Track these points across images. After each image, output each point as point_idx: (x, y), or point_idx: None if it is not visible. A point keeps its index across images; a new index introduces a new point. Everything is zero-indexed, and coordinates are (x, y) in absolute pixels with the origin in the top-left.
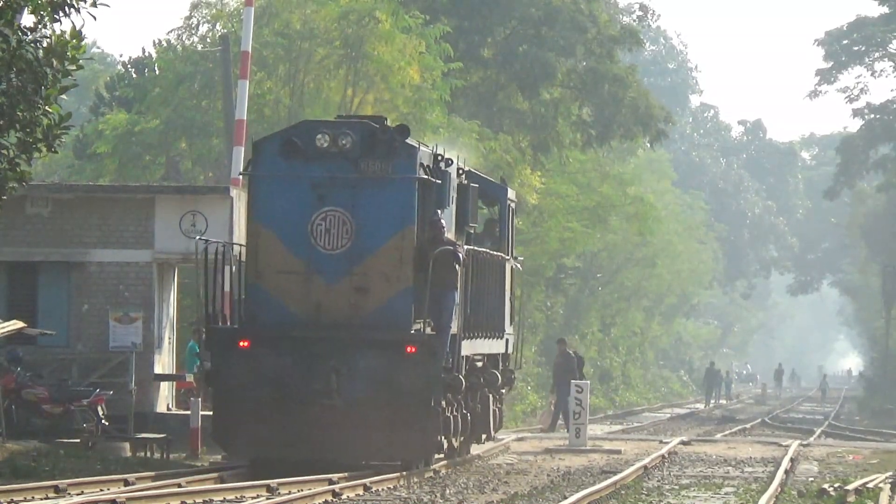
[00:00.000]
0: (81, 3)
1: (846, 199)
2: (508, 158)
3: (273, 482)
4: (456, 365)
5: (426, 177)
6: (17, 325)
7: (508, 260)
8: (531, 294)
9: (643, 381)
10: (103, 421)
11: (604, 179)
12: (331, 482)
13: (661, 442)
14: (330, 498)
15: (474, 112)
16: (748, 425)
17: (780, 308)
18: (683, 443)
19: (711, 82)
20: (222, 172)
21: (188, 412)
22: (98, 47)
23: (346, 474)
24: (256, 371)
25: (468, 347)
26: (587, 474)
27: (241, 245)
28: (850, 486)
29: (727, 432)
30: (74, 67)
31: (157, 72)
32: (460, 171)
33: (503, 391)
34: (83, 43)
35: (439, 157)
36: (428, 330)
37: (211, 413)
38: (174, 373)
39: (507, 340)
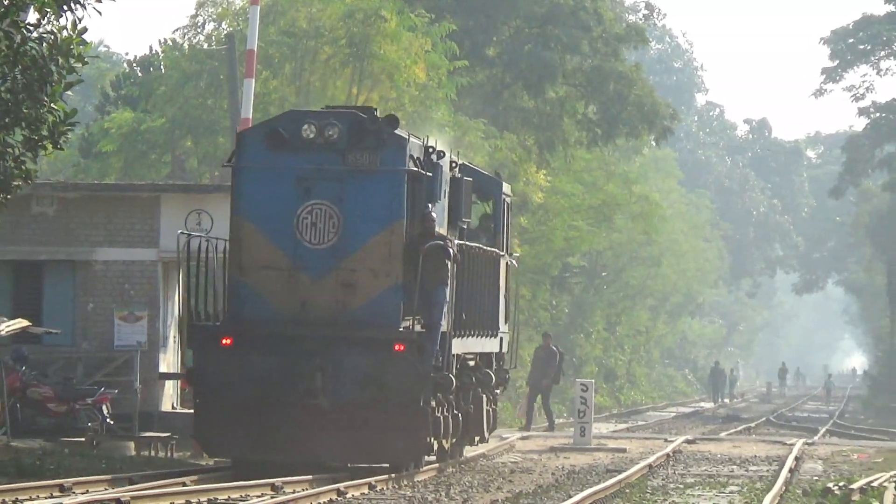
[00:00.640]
0: None
1: (851, 197)
2: (514, 157)
3: (278, 481)
4: (446, 364)
5: (416, 169)
6: (22, 323)
7: (503, 256)
8: (536, 293)
9: (648, 380)
10: (108, 420)
11: (609, 178)
12: (335, 480)
13: (665, 441)
14: (335, 497)
15: (480, 111)
16: (753, 424)
17: (785, 307)
18: (688, 441)
19: (717, 81)
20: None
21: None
22: (104, 46)
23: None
24: (239, 370)
25: (459, 346)
26: (592, 473)
27: (224, 240)
28: (854, 485)
29: (732, 431)
30: (79, 64)
31: (163, 70)
32: (453, 164)
33: (497, 391)
34: (87, 40)
35: (430, 149)
36: (417, 327)
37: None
38: (179, 371)
39: (501, 339)
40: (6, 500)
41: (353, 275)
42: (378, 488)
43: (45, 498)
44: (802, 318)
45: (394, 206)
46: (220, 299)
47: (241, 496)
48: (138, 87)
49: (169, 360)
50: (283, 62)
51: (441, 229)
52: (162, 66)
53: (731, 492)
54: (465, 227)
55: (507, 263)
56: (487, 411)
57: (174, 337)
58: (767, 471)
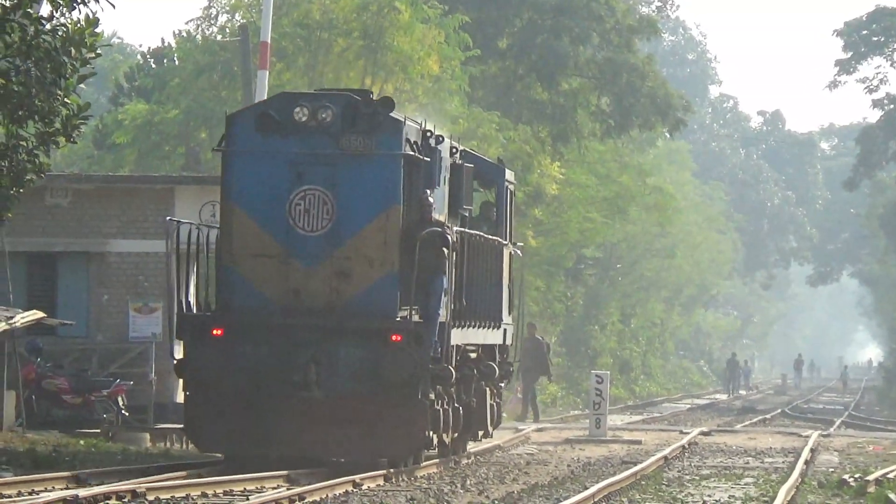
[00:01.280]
0: None
1: (866, 189)
2: (528, 148)
3: (293, 472)
4: (445, 355)
5: (413, 153)
6: (36, 315)
7: (507, 245)
8: (551, 284)
9: (663, 372)
10: (123, 411)
11: (623, 170)
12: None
13: (681, 432)
14: (350, 488)
15: (494, 103)
16: (768, 416)
17: (799, 299)
18: (703, 433)
19: (730, 73)
20: None
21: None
22: (118, 37)
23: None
24: (230, 361)
25: (459, 336)
26: (607, 465)
27: (215, 227)
28: (870, 477)
29: (747, 423)
30: (92, 55)
31: (177, 62)
32: (453, 150)
33: (502, 385)
34: (99, 31)
35: (428, 133)
36: (415, 317)
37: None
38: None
39: (505, 331)
40: (22, 490)
41: (348, 263)
42: (393, 480)
43: (61, 489)
44: (817, 311)
45: (389, 192)
46: (211, 289)
47: (257, 487)
48: (152, 78)
49: None
50: (296, 54)
51: (441, 216)
52: (176, 58)
53: (747, 483)
54: (467, 214)
55: (510, 253)
56: (491, 405)
57: None
58: (783, 462)
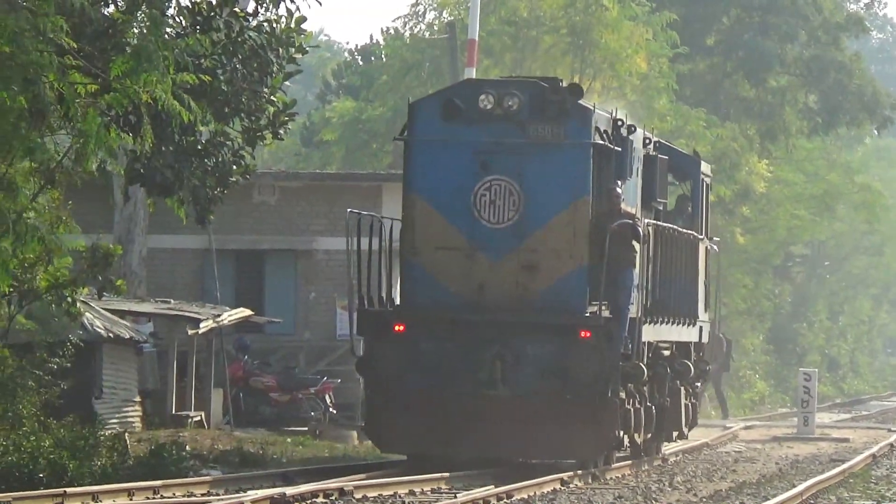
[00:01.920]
0: None
1: None
2: (735, 146)
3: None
4: (636, 352)
5: (603, 143)
6: (244, 313)
7: (702, 240)
8: (759, 282)
9: (871, 370)
10: (331, 409)
11: (831, 167)
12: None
13: (889, 430)
14: (558, 486)
15: (701, 100)
16: None
17: None
18: None
19: None
20: None
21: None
22: (325, 35)
23: None
24: (412, 358)
25: (651, 333)
26: (815, 462)
27: (397, 220)
28: None
29: None
30: (299, 54)
31: (384, 59)
32: (647, 140)
33: (698, 384)
34: (307, 31)
35: (620, 123)
36: (604, 313)
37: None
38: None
39: (700, 328)
40: (229, 488)
41: (535, 256)
42: (601, 478)
43: (268, 487)
44: None
45: (578, 182)
46: (392, 283)
47: (464, 485)
48: (360, 76)
49: None
50: (503, 51)
51: (634, 209)
52: (383, 55)
53: None
54: (661, 208)
55: (706, 248)
56: (686, 405)
57: None
58: None
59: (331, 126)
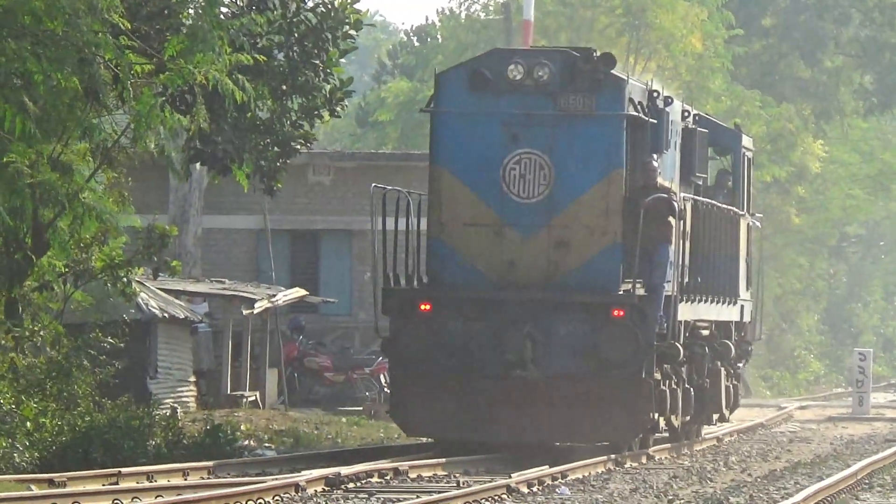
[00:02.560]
0: None
1: None
2: (791, 127)
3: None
4: (671, 331)
5: (637, 114)
6: (299, 293)
7: (744, 216)
8: (814, 262)
9: None
10: (385, 389)
11: (886, 147)
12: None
13: None
14: (612, 466)
15: (756, 80)
16: None
17: None
18: None
19: None
20: None
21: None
22: (380, 15)
23: None
24: (439, 339)
25: (688, 311)
26: (870, 443)
27: (424, 195)
28: None
29: None
30: (354, 31)
31: (440, 40)
32: (685, 113)
33: (740, 365)
34: (363, 10)
35: (655, 94)
36: (638, 291)
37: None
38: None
39: (741, 307)
40: (283, 469)
41: (567, 232)
42: (656, 457)
43: (323, 466)
44: None
45: (611, 155)
46: (417, 260)
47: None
48: (415, 56)
49: None
50: (559, 32)
51: (672, 184)
52: (438, 36)
53: None
54: (700, 183)
55: (748, 224)
56: (727, 387)
57: None
58: None
59: (386, 106)
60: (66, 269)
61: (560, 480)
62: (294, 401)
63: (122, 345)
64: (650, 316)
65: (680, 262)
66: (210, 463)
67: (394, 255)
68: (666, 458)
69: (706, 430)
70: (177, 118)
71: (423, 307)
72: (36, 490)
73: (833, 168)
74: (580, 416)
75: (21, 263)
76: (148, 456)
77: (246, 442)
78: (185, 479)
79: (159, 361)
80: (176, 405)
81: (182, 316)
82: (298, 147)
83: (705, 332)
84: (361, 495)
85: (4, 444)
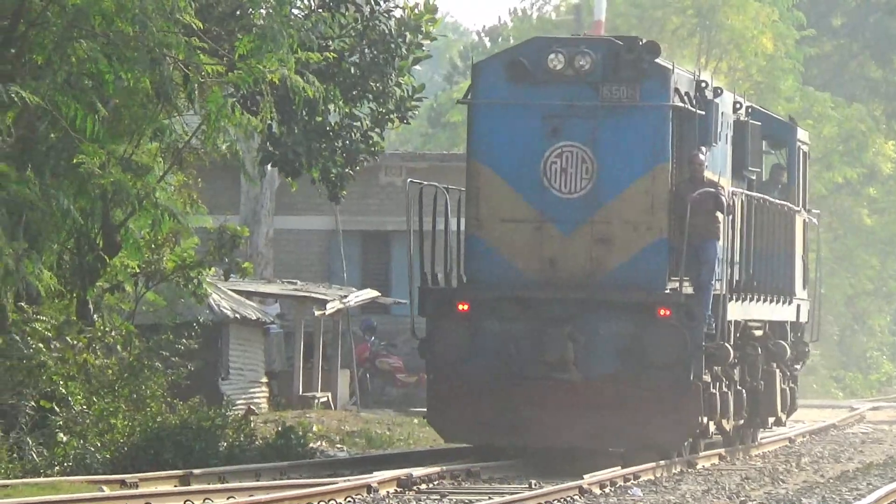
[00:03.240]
0: None
1: None
2: (863, 127)
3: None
4: (721, 331)
5: (683, 105)
6: (370, 294)
7: (799, 212)
8: (886, 263)
9: None
10: None
11: None
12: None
13: None
14: (686, 468)
15: (827, 81)
16: None
17: None
18: None
19: None
20: None
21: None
22: (451, 16)
23: None
24: (477, 340)
25: (739, 311)
26: None
27: (461, 190)
28: None
29: None
30: (427, 40)
31: (511, 41)
32: (737, 105)
33: (797, 367)
34: (437, 17)
35: (704, 84)
36: (685, 289)
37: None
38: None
39: (797, 307)
40: (354, 470)
41: (610, 228)
42: (727, 458)
43: (394, 468)
44: None
45: (657, 148)
46: (459, 258)
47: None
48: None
49: None
50: (629, 32)
51: (719, 177)
52: (511, 37)
53: None
54: (753, 177)
55: (804, 221)
56: (783, 389)
57: None
58: None
59: (458, 107)
60: (138, 270)
61: (632, 482)
62: (366, 402)
63: (194, 346)
64: (698, 315)
65: (730, 259)
66: (282, 464)
67: (432, 253)
68: (745, 458)
69: (775, 433)
70: (247, 118)
71: (460, 307)
72: (108, 491)
73: None
74: (624, 420)
75: (93, 264)
76: (219, 457)
77: (318, 443)
78: (257, 480)
79: (231, 362)
80: (251, 406)
81: (254, 317)
82: (366, 158)
83: (758, 333)
84: (433, 496)
85: (76, 445)
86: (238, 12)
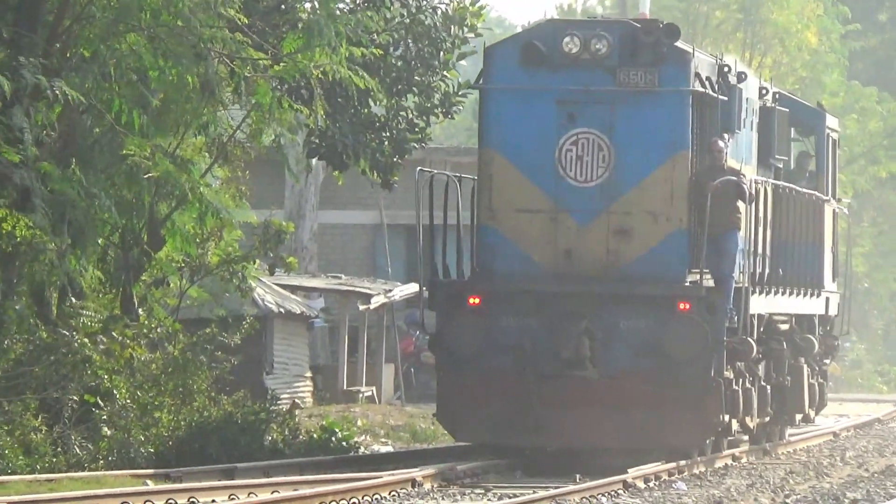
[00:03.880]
0: None
1: None
2: None
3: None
4: (743, 325)
5: (704, 90)
6: (415, 288)
7: (828, 201)
8: None
9: None
10: None
11: None
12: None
13: None
14: (730, 462)
15: (872, 76)
16: None
17: None
18: None
19: None
20: None
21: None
22: (496, 11)
23: None
24: (490, 335)
25: (763, 304)
26: None
27: (473, 178)
28: None
29: None
30: (472, 35)
31: None
32: (763, 91)
33: (826, 362)
34: (483, 11)
35: (726, 69)
36: (706, 282)
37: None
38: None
39: (826, 299)
40: (399, 465)
41: (628, 219)
42: (772, 453)
43: (439, 462)
44: None
45: (676, 135)
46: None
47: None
48: None
49: None
50: None
51: (741, 165)
52: None
53: None
54: (780, 166)
55: (833, 211)
56: (811, 384)
57: None
58: None
59: None
60: (183, 265)
61: (676, 476)
62: (410, 396)
63: (238, 342)
64: (719, 309)
65: (753, 251)
66: (326, 458)
67: (443, 244)
68: (788, 452)
69: (819, 427)
70: (294, 113)
71: (471, 301)
72: (152, 485)
73: None
74: (643, 418)
75: (138, 259)
76: (264, 451)
77: (362, 437)
78: (301, 475)
79: (275, 357)
80: (296, 400)
81: (298, 311)
82: (413, 145)
83: (784, 327)
84: (477, 490)
85: (120, 439)
86: (283, 6)
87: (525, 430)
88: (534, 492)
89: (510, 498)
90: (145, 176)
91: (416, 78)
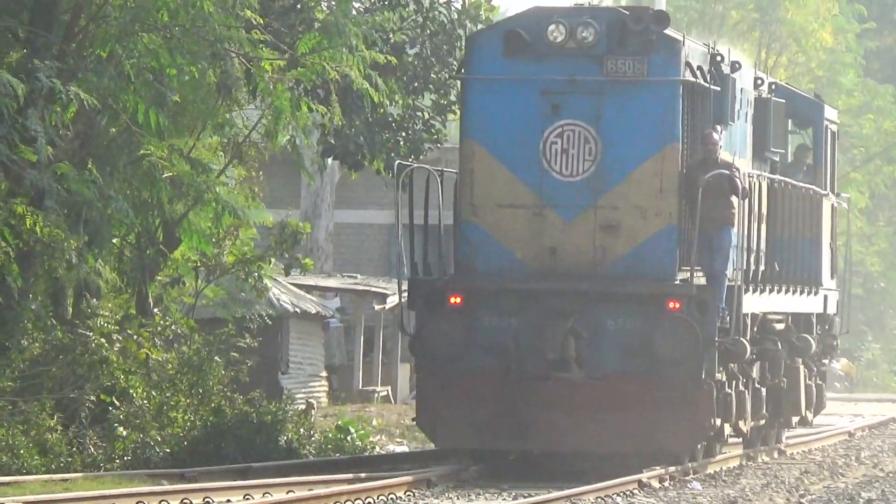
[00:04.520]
0: None
1: None
2: None
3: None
4: (736, 325)
5: (695, 80)
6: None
7: (826, 196)
8: None
9: None
10: None
11: None
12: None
13: None
14: (745, 462)
15: (889, 75)
16: None
17: None
18: None
19: None
20: None
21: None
22: (508, 4)
23: None
24: (471, 335)
25: (757, 303)
26: None
27: (454, 172)
28: None
29: None
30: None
31: None
32: (759, 81)
33: (824, 362)
34: (496, 6)
35: (719, 58)
36: (697, 280)
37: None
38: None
39: (825, 297)
40: (414, 464)
41: (616, 214)
42: (788, 453)
43: (454, 462)
44: None
45: (666, 127)
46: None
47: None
48: None
49: None
50: (690, 26)
51: (742, 160)
52: None
53: None
54: (776, 159)
55: (832, 205)
56: (808, 386)
57: None
58: None
59: None
60: (198, 264)
61: (691, 475)
62: None
63: (254, 344)
64: (711, 308)
65: (747, 247)
66: (341, 458)
67: (423, 241)
68: (804, 451)
69: (835, 427)
70: (311, 114)
71: (452, 300)
72: (167, 485)
73: None
74: (631, 422)
75: (154, 258)
76: (279, 451)
77: (377, 437)
78: (316, 475)
79: (291, 357)
80: (311, 401)
81: (314, 311)
82: (429, 146)
83: (780, 326)
84: (492, 491)
85: (136, 439)
86: (299, 6)
87: (509, 434)
88: (548, 491)
89: (525, 497)
90: (163, 176)
91: (433, 75)
